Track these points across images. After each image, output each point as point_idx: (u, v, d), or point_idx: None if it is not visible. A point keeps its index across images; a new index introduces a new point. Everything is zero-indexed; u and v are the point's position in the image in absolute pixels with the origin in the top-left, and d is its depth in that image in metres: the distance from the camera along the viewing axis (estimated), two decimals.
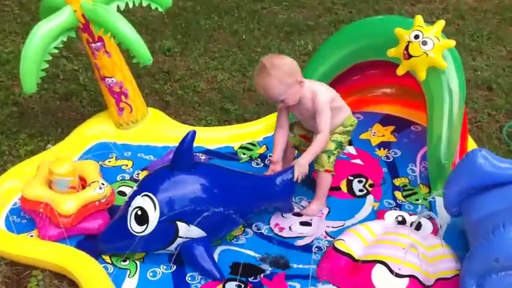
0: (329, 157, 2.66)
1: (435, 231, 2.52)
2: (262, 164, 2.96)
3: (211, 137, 3.12)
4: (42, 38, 2.63)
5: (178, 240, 2.34)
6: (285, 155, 2.76)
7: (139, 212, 2.31)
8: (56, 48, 2.70)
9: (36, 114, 3.34)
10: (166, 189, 2.33)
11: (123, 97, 2.99)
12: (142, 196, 2.32)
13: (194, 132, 2.37)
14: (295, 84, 2.56)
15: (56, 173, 2.46)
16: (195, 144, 3.01)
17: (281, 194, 2.57)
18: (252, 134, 3.15)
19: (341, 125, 2.71)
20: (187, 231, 2.32)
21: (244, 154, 3.04)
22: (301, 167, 2.56)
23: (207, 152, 3.03)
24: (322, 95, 2.61)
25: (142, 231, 2.31)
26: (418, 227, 2.53)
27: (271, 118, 3.20)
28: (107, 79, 2.93)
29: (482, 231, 2.13)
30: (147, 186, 2.37)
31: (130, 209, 2.33)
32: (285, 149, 2.75)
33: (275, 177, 2.58)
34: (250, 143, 3.11)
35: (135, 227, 2.32)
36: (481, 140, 3.16)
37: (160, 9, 2.88)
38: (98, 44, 2.83)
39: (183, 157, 2.37)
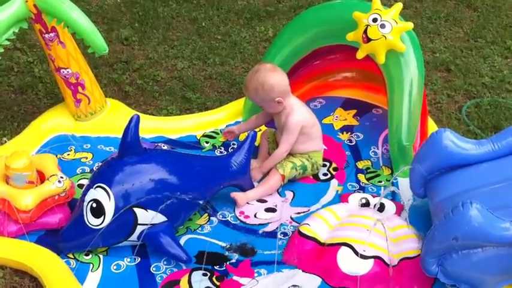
0: (292, 168, 2.71)
1: (398, 212, 2.55)
2: (226, 152, 2.94)
3: (173, 127, 3.08)
4: None
5: (139, 228, 2.30)
6: (260, 146, 2.86)
7: (94, 205, 2.27)
8: (8, 40, 2.61)
9: None
10: (119, 177, 2.29)
11: (79, 88, 2.92)
12: (95, 188, 2.28)
13: (138, 117, 2.34)
14: (271, 101, 2.64)
15: (13, 167, 2.39)
16: (157, 135, 3.03)
17: (237, 172, 2.59)
18: (215, 122, 3.12)
19: (306, 155, 2.75)
20: (146, 217, 2.29)
21: (207, 142, 3.02)
22: (258, 175, 2.73)
23: (169, 141, 2.99)
24: (295, 116, 2.67)
25: (100, 224, 2.27)
26: (381, 208, 2.56)
27: (234, 106, 3.19)
28: (62, 70, 2.86)
29: (443, 212, 2.14)
30: (99, 177, 2.32)
31: (84, 203, 2.29)
32: (261, 142, 2.86)
33: (230, 156, 2.61)
34: (213, 131, 3.08)
35: (92, 221, 2.27)
36: (441, 120, 3.20)
37: None
38: (51, 34, 2.75)
39: (131, 142, 2.33)
